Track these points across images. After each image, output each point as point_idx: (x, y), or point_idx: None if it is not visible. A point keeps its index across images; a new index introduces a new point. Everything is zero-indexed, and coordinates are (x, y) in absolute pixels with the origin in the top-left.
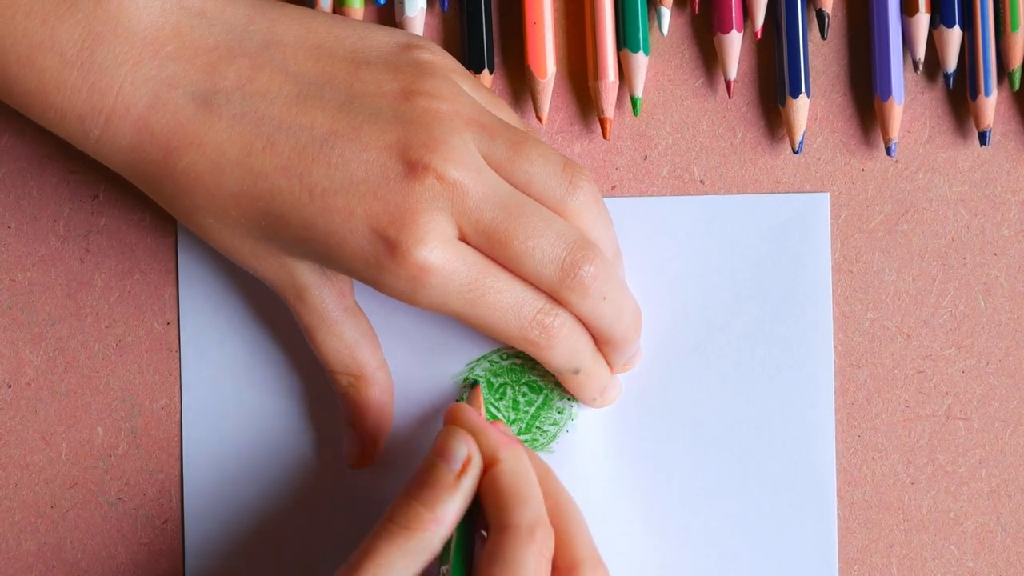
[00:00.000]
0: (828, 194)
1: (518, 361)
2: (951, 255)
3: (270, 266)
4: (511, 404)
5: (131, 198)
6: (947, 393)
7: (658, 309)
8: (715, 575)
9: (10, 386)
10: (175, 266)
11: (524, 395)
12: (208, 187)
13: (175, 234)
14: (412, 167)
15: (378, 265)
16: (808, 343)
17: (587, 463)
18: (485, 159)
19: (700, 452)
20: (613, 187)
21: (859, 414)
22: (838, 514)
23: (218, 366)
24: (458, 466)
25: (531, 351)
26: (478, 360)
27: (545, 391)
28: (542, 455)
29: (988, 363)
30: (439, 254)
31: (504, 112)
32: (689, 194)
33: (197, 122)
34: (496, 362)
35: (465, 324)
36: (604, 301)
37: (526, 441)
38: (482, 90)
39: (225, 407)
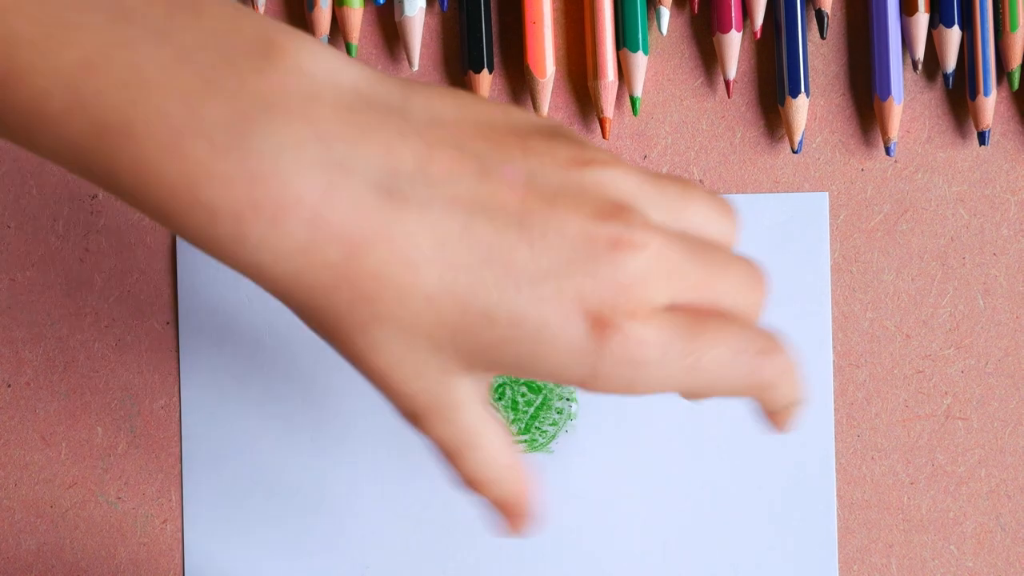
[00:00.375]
0: (827, 193)
1: None
2: (950, 255)
3: (426, 385)
4: (510, 404)
5: None
6: (946, 393)
7: None
8: (715, 574)
9: (10, 386)
10: (174, 266)
11: (523, 395)
12: (400, 289)
13: (175, 234)
14: (616, 240)
15: (594, 353)
16: (807, 343)
17: (587, 463)
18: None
19: (700, 452)
20: None
21: (858, 414)
22: (837, 514)
23: (218, 366)
24: None
25: (763, 396)
26: None
27: (544, 391)
28: (541, 455)
29: (987, 363)
30: (654, 326)
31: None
32: None
33: (383, 213)
34: None
35: (694, 399)
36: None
37: (525, 441)
38: (659, 186)
39: (225, 407)
